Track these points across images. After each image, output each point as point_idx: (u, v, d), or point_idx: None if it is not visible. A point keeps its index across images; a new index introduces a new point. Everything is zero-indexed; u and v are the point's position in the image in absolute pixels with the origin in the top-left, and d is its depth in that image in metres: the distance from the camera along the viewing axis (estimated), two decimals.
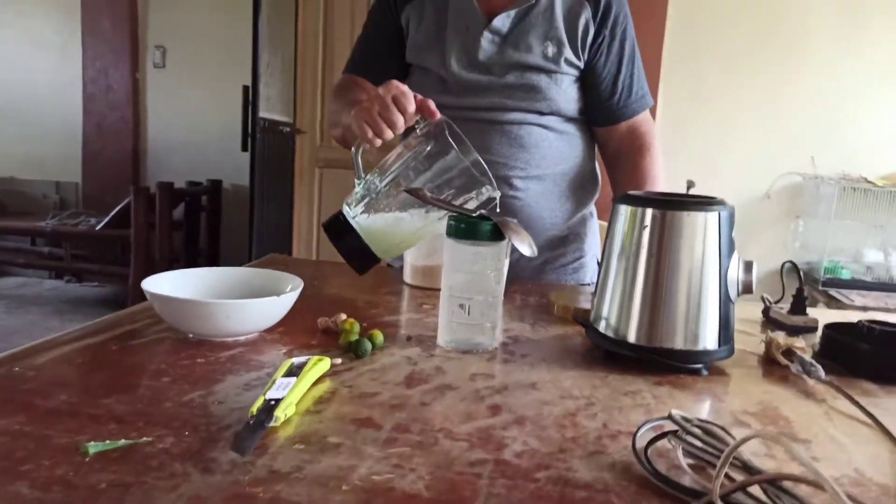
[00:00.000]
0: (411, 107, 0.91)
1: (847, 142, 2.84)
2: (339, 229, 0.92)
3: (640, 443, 0.58)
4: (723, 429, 0.59)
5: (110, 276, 4.32)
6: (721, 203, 0.80)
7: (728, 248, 0.79)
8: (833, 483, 0.44)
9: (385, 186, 0.90)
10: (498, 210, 0.90)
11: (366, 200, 0.91)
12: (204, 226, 4.50)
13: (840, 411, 0.72)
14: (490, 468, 0.54)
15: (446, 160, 0.88)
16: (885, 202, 2.74)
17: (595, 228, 1.35)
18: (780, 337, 0.87)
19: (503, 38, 1.19)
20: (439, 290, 0.86)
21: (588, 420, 0.65)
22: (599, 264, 0.87)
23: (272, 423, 0.58)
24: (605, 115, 1.26)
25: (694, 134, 2.87)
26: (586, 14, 1.19)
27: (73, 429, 0.57)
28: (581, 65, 1.21)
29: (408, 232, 0.93)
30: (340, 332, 0.84)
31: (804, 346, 0.85)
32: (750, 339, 0.95)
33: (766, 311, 1.08)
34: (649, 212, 0.80)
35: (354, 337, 0.81)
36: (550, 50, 1.18)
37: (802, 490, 0.49)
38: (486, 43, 1.19)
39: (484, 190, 0.90)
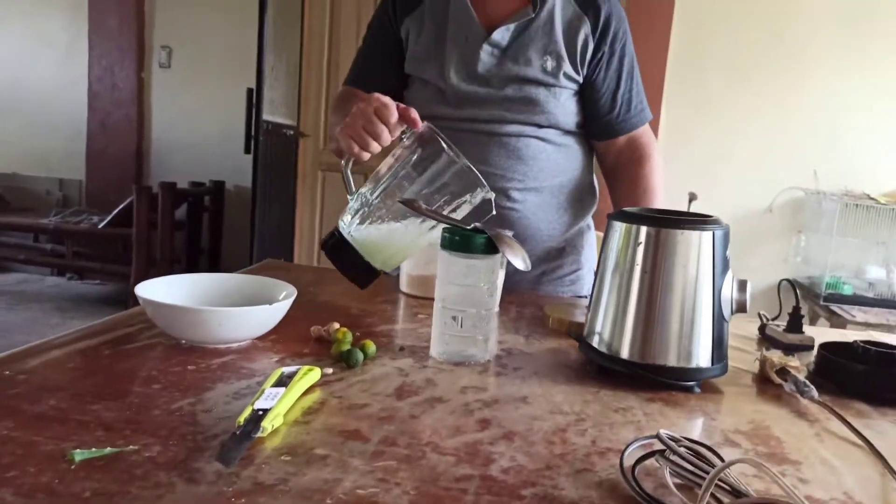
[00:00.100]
0: (393, 117, 0.92)
1: (850, 157, 2.83)
2: (335, 246, 0.93)
3: (628, 461, 0.58)
4: (711, 449, 0.59)
5: (112, 274, 4.33)
6: (716, 222, 0.80)
7: (722, 266, 0.79)
8: None
9: (377, 198, 0.90)
10: (495, 218, 0.90)
11: (360, 213, 0.91)
12: (206, 226, 4.51)
13: (832, 432, 0.72)
14: (476, 484, 0.54)
15: (436, 165, 0.88)
16: (888, 219, 2.73)
17: (592, 241, 1.35)
18: (775, 355, 0.87)
19: (502, 51, 1.20)
20: None
21: (577, 436, 0.65)
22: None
23: (259, 434, 0.58)
24: (604, 130, 1.27)
25: (697, 146, 2.87)
26: (586, 29, 1.19)
27: (61, 435, 0.57)
28: (580, 79, 1.21)
29: (404, 242, 0.93)
30: (333, 342, 0.84)
31: (799, 365, 0.85)
32: (745, 357, 0.94)
33: (762, 329, 1.08)
34: (644, 229, 0.80)
35: (346, 347, 0.81)
36: (549, 64, 1.18)
37: None
38: (486, 55, 1.19)
39: (478, 192, 0.90)
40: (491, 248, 0.81)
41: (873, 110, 2.79)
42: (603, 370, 0.83)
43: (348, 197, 0.93)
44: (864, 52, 2.75)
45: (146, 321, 0.87)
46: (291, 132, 3.52)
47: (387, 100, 0.93)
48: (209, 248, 4.52)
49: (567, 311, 1.05)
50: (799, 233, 2.88)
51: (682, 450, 0.57)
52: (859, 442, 0.69)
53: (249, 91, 3.81)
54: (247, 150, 3.85)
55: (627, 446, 0.61)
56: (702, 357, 0.80)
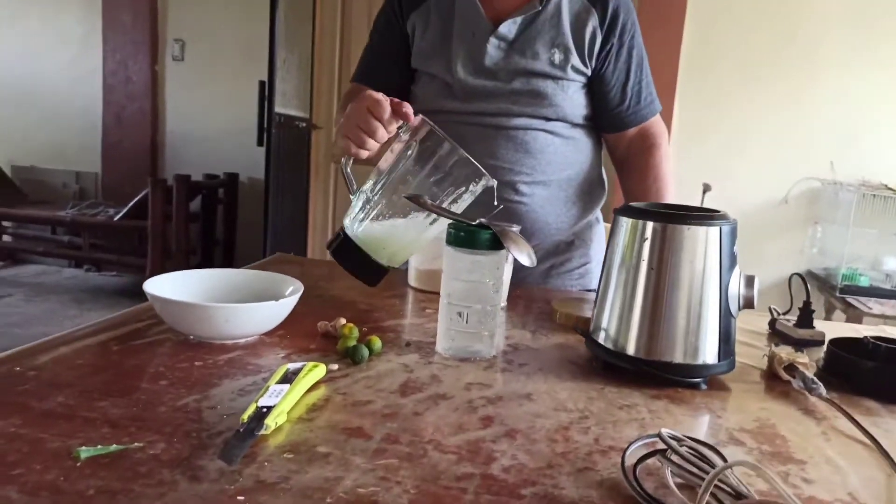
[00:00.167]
0: (386, 113, 0.92)
1: (866, 148, 2.80)
2: (341, 246, 0.93)
3: (630, 460, 0.58)
4: (713, 448, 0.58)
5: (128, 266, 4.37)
6: (723, 217, 0.79)
7: (729, 262, 0.79)
8: None
9: (378, 195, 0.90)
10: (503, 212, 0.89)
11: (363, 211, 0.91)
12: (220, 218, 4.54)
13: (839, 430, 0.71)
14: (476, 483, 0.54)
15: (435, 157, 0.88)
16: None
17: (601, 234, 1.34)
18: (784, 352, 0.86)
19: (509, 44, 1.19)
20: None
21: (580, 434, 0.65)
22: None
23: (262, 432, 0.58)
24: (614, 122, 1.26)
25: (712, 138, 2.85)
26: (593, 21, 1.18)
27: (67, 432, 0.58)
28: (588, 72, 1.20)
29: (409, 237, 0.93)
30: (339, 337, 0.84)
31: (807, 361, 0.84)
32: (754, 352, 0.93)
33: (772, 323, 1.07)
34: (650, 225, 0.79)
35: (352, 342, 0.81)
36: (557, 57, 1.17)
37: None
38: (493, 49, 1.19)
39: (479, 180, 0.89)
40: (496, 243, 0.81)
41: (889, 101, 2.76)
42: (609, 366, 0.82)
43: (350, 196, 0.94)
44: (877, 51, 2.73)
45: (155, 317, 0.88)
46: (304, 124, 3.53)
47: (379, 96, 0.93)
48: (224, 239, 4.56)
49: (575, 306, 1.04)
50: (815, 224, 2.85)
51: (683, 450, 0.56)
52: (866, 440, 0.68)
53: (262, 84, 3.82)
54: (259, 143, 3.87)
55: (629, 445, 0.60)
56: (708, 353, 0.79)
